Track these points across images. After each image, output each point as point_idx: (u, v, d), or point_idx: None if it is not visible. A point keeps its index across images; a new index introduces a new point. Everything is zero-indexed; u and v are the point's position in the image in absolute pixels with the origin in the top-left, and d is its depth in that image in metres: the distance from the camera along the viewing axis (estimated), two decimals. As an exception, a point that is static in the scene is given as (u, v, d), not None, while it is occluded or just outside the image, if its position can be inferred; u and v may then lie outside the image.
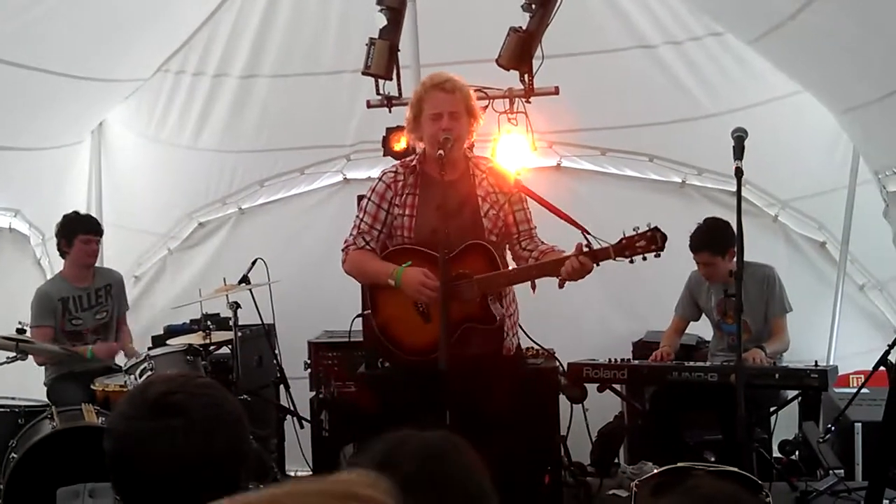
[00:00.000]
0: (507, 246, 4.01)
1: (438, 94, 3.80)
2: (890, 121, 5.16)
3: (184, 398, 1.75)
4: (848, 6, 4.47)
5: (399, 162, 4.16)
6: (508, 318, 3.97)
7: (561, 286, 3.75)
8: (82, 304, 5.60)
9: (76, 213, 5.75)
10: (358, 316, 5.20)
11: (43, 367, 5.53)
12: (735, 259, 4.94)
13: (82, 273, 5.63)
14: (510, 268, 3.92)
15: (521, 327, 4.18)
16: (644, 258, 3.60)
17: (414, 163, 3.99)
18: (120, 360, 5.64)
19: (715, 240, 5.16)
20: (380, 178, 4.01)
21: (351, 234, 4.00)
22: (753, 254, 5.19)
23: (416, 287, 3.73)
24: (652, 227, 3.56)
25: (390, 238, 3.98)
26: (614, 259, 3.61)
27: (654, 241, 3.55)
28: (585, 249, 3.59)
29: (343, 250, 4.00)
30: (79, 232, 5.56)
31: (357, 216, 4.03)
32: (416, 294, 3.76)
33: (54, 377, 5.50)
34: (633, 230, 3.58)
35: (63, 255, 5.61)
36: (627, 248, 3.58)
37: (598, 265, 3.64)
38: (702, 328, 5.75)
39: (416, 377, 3.88)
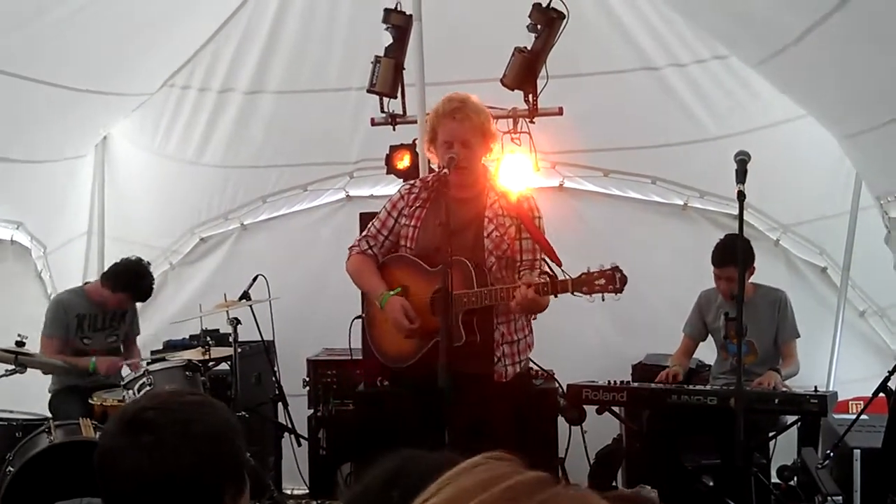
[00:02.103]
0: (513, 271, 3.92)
1: (449, 124, 3.85)
2: (892, 146, 5.15)
3: (155, 415, 1.73)
4: (852, 31, 4.47)
5: (420, 177, 4.28)
6: (508, 344, 3.87)
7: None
8: (96, 324, 5.61)
9: (143, 276, 5.63)
10: (357, 317, 5.14)
11: (49, 377, 5.53)
12: (750, 278, 5.02)
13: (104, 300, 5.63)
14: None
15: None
16: (602, 298, 3.54)
17: (430, 179, 4.05)
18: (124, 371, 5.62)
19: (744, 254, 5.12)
20: (398, 189, 4.14)
21: (361, 236, 4.13)
22: (754, 277, 5.21)
23: (395, 321, 3.84)
24: (613, 266, 3.53)
25: (397, 245, 4.06)
26: (572, 293, 3.56)
27: (612, 280, 3.51)
28: (545, 280, 3.58)
29: (350, 248, 4.13)
30: (127, 291, 5.55)
31: (373, 220, 4.15)
32: (395, 326, 3.86)
33: (58, 388, 5.51)
34: (599, 266, 3.53)
35: (101, 284, 5.59)
36: (586, 283, 3.53)
37: (556, 297, 3.62)
38: (703, 351, 5.73)
39: (414, 394, 3.89)
